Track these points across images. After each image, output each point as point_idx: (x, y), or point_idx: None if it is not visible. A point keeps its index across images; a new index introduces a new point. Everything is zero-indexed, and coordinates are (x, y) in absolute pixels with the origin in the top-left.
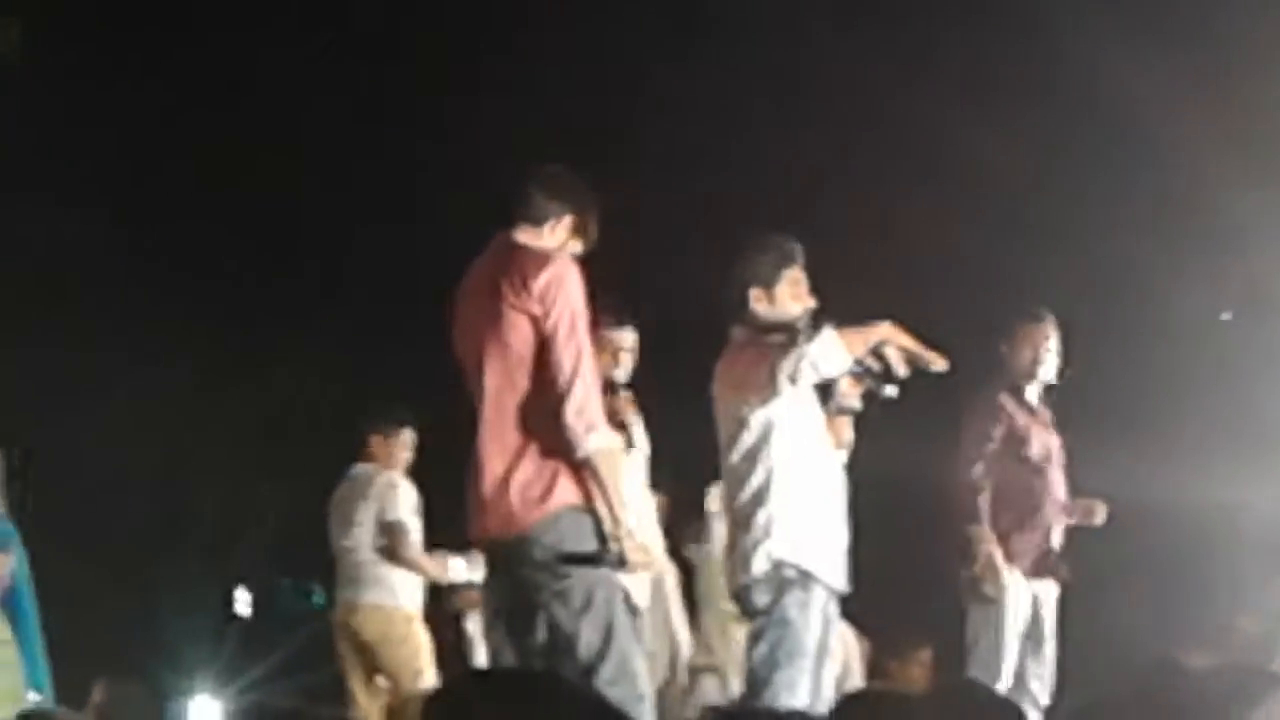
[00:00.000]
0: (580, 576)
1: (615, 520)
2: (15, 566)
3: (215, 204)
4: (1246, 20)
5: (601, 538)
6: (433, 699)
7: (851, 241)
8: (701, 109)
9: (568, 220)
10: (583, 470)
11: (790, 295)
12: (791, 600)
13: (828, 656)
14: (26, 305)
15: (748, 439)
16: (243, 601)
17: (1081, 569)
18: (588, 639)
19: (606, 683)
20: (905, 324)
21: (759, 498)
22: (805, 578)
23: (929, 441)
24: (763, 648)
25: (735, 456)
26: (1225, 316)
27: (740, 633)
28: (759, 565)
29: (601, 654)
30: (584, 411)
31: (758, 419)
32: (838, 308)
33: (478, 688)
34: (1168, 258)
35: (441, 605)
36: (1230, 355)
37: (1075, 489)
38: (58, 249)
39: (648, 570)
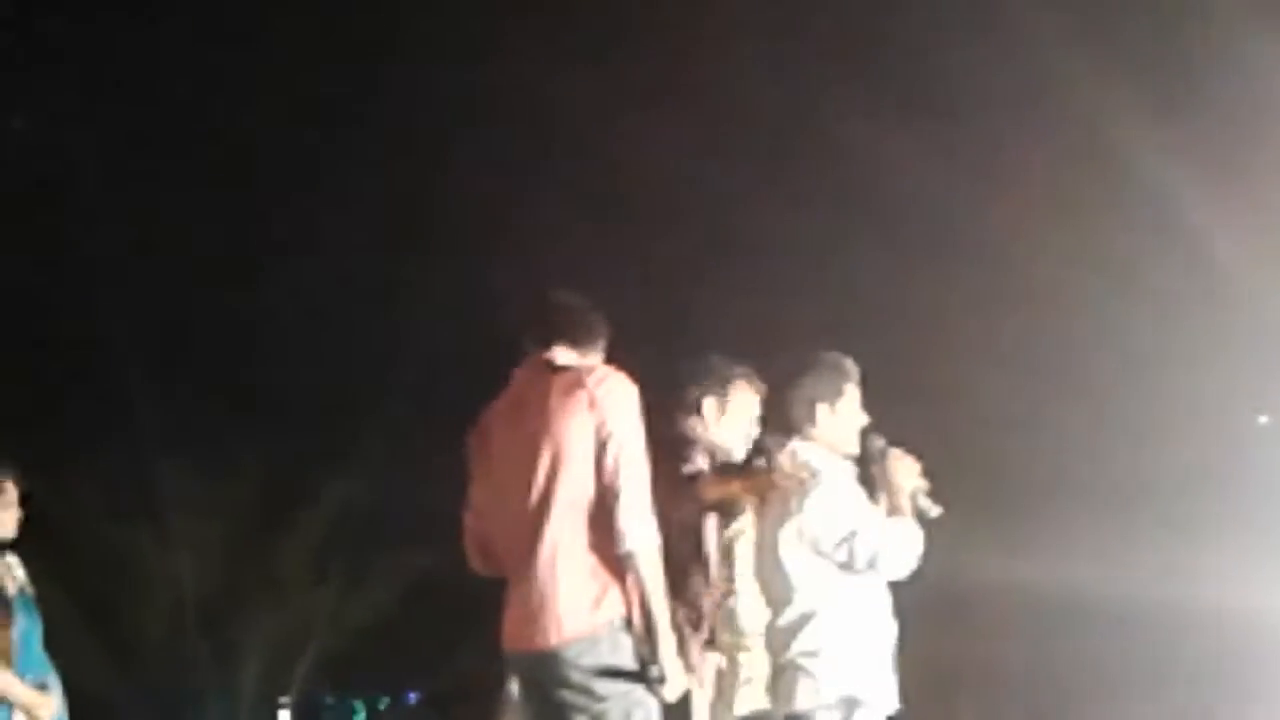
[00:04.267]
0: (616, 699)
1: (656, 631)
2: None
3: None
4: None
5: (640, 657)
6: None
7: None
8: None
9: (601, 346)
10: (627, 571)
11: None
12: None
13: None
14: None
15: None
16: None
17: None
18: None
19: None
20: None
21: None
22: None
23: None
24: None
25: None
26: (1263, 420)
27: None
28: (826, 694)
29: None
30: (635, 510)
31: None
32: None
33: None
34: (1207, 355)
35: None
36: (1269, 457)
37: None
38: None
39: (677, 697)
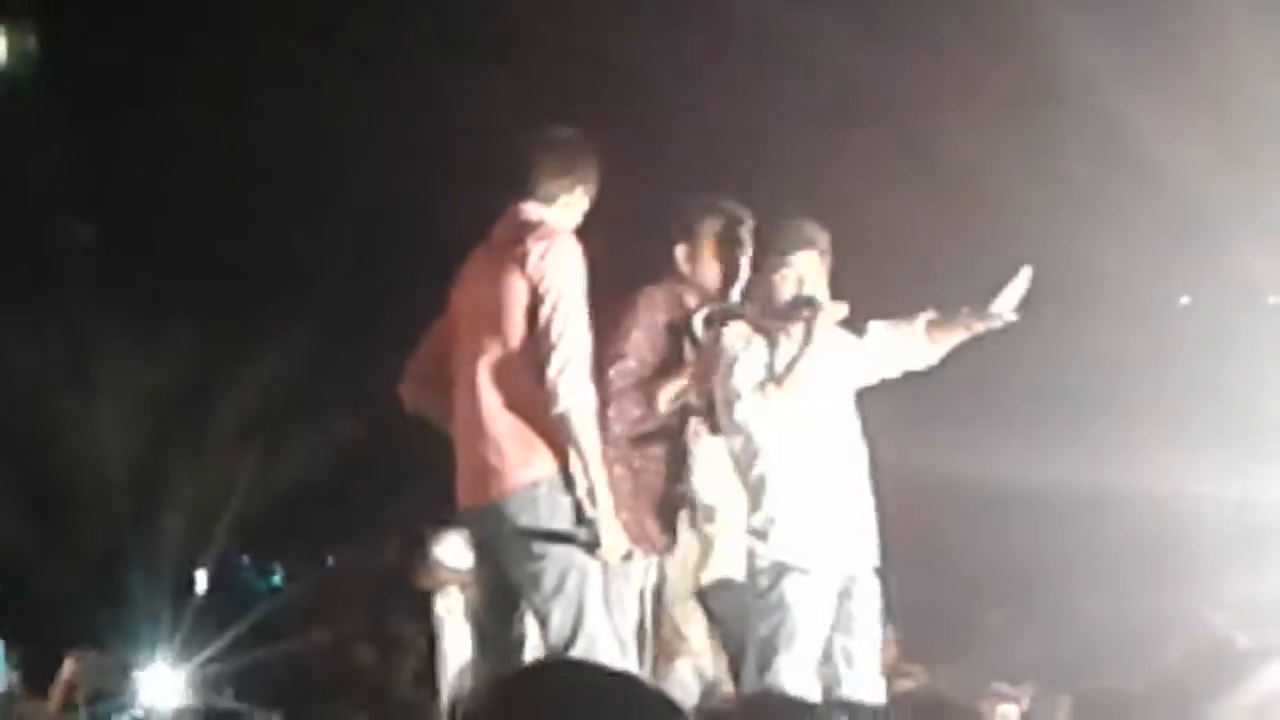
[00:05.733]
0: (554, 559)
1: (592, 494)
2: None
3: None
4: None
5: (579, 517)
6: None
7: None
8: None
9: (578, 193)
10: (559, 432)
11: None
12: (789, 584)
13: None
14: None
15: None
16: (201, 580)
17: (1041, 558)
18: (558, 623)
19: None
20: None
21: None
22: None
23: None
24: (762, 630)
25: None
26: (1184, 301)
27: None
28: (760, 561)
29: (570, 640)
30: (567, 372)
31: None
32: None
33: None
34: (1125, 241)
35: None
36: (1189, 341)
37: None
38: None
39: (619, 559)
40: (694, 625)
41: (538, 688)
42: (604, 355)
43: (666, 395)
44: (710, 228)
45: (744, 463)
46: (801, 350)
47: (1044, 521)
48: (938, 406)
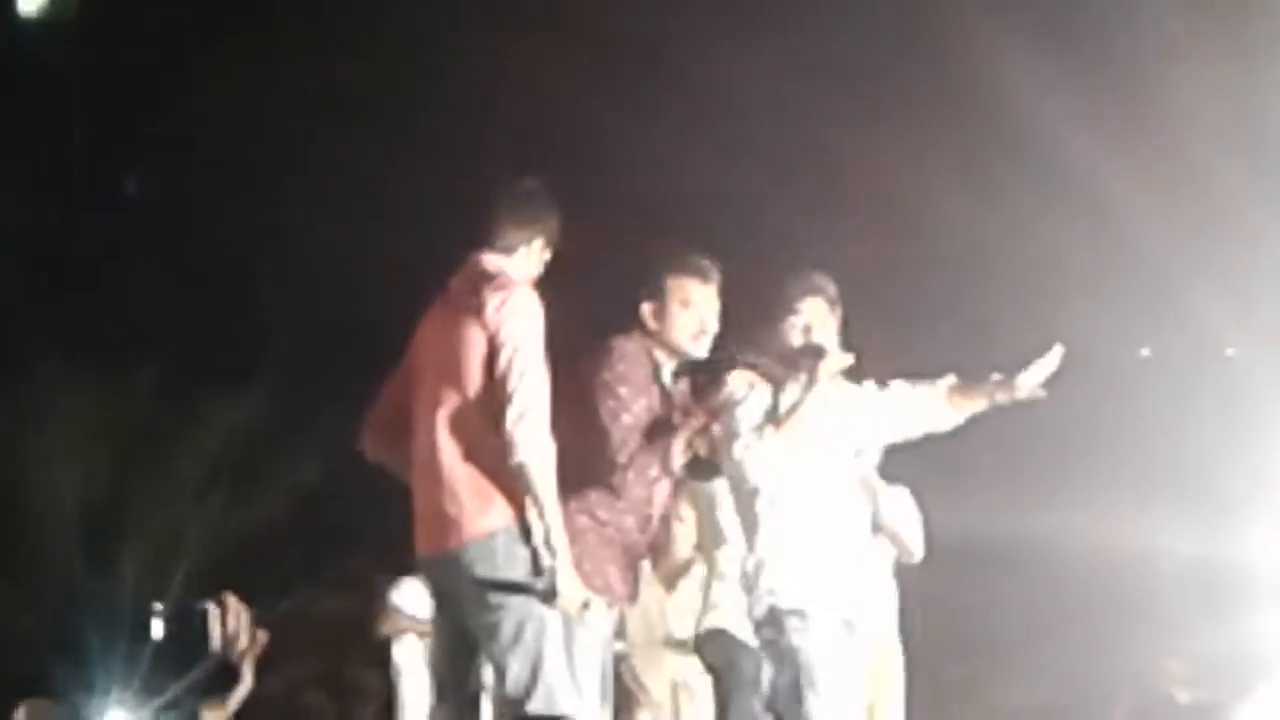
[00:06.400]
0: (511, 609)
1: (549, 544)
2: None
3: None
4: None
5: (536, 568)
6: None
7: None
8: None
9: (538, 245)
10: (518, 483)
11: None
12: (791, 629)
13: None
14: None
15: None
16: (157, 626)
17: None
18: (515, 673)
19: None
20: None
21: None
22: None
23: None
24: (782, 683)
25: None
26: (1144, 353)
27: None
28: (757, 610)
29: (529, 690)
30: (524, 422)
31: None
32: None
33: None
34: (1086, 291)
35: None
36: (1149, 391)
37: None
38: None
39: (575, 610)
40: (652, 675)
41: None
42: (594, 409)
43: (677, 450)
44: (677, 283)
45: (740, 505)
46: (803, 396)
47: (1002, 574)
48: (893, 459)
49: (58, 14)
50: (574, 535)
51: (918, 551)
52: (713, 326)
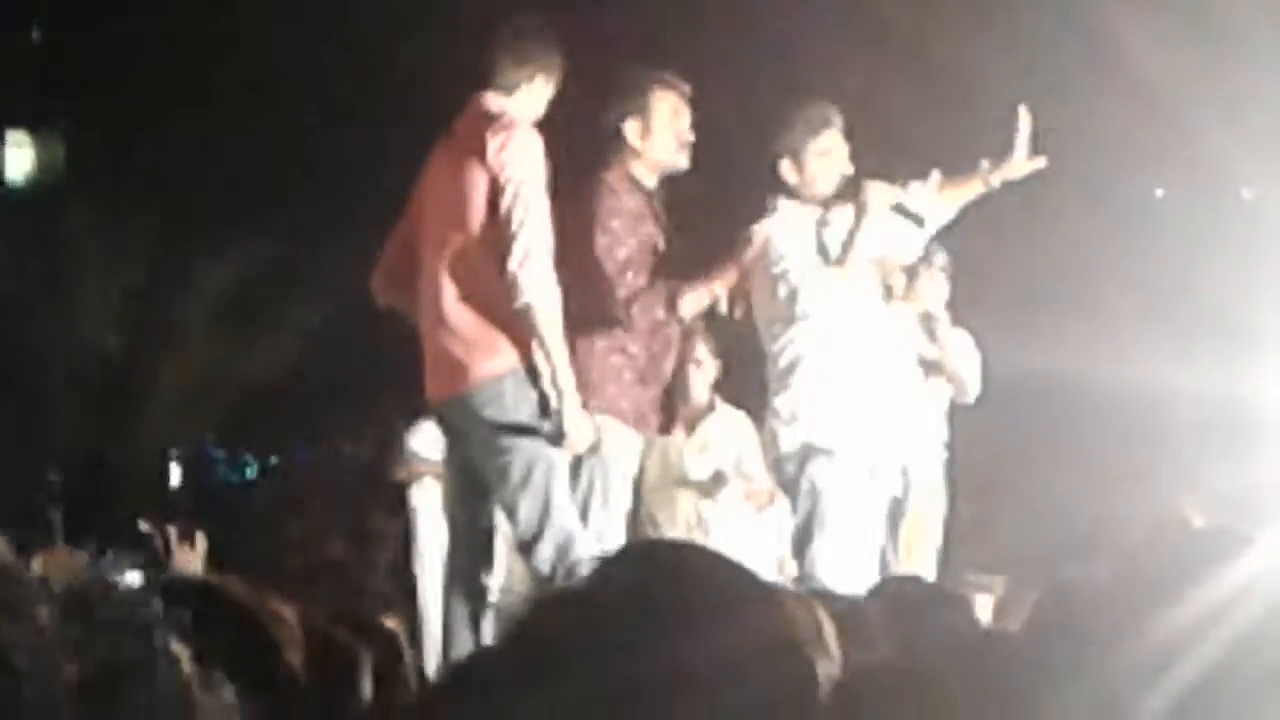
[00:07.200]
0: (520, 451)
1: (556, 385)
2: None
3: None
4: None
5: (544, 410)
6: None
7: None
8: None
9: (539, 82)
10: (522, 325)
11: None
12: (816, 468)
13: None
14: None
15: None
16: (175, 473)
17: (1018, 451)
18: (525, 515)
19: (544, 561)
20: None
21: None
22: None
23: None
24: (796, 519)
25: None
26: (1159, 193)
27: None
28: (785, 445)
29: (539, 532)
30: (528, 264)
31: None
32: None
33: None
34: (1099, 134)
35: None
36: (1164, 233)
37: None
38: None
39: (587, 450)
40: (667, 513)
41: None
42: (589, 248)
43: (691, 303)
44: (661, 99)
45: (776, 348)
46: (855, 229)
47: (1020, 415)
48: None
49: None
50: (608, 374)
51: (974, 391)
52: (690, 137)
